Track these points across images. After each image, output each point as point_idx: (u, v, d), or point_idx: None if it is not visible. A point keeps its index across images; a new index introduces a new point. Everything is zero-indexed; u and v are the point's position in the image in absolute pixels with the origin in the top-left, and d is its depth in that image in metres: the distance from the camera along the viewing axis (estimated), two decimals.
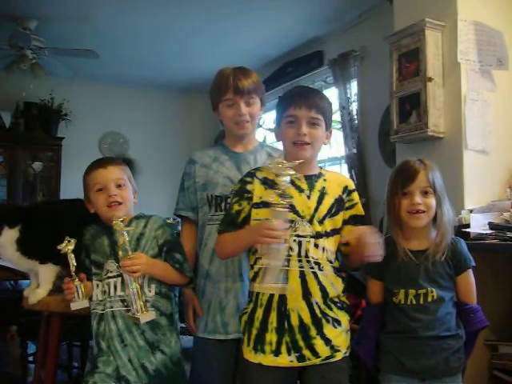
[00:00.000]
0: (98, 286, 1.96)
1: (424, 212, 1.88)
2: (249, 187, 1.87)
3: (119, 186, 1.99)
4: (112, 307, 1.91)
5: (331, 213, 1.86)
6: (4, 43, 4.91)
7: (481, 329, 1.93)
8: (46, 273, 2.09)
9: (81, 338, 3.46)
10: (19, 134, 6.28)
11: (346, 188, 1.92)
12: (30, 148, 6.40)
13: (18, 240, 2.04)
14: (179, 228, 4.71)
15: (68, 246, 1.91)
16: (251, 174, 1.91)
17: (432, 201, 1.89)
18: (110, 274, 1.93)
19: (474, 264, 1.92)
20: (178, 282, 2.01)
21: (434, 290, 1.86)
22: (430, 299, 1.86)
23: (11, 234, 2.04)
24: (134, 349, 1.88)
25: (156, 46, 5.56)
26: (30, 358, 3.56)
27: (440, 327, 1.85)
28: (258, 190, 1.86)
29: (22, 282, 3.35)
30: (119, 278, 1.92)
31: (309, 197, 1.85)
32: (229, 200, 2.04)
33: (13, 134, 6.22)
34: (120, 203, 1.97)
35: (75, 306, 1.93)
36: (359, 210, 1.92)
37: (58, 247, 1.90)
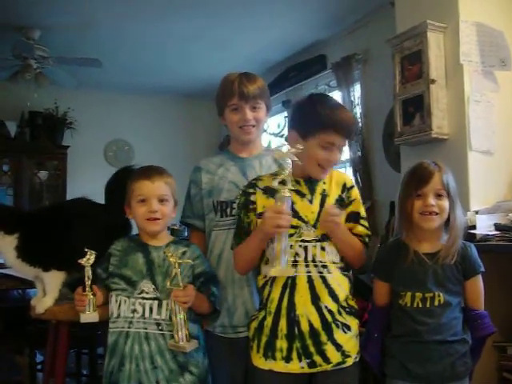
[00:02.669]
0: (125, 302, 1.93)
1: (437, 214, 1.86)
2: (252, 198, 1.88)
3: (161, 200, 1.98)
4: (146, 329, 1.90)
5: None
6: (8, 53, 4.93)
7: (487, 335, 1.90)
8: (52, 280, 2.09)
9: (89, 345, 3.47)
10: (25, 143, 6.30)
11: (344, 186, 1.93)
12: (35, 157, 6.42)
13: (17, 247, 2.02)
14: (185, 234, 4.72)
15: (90, 260, 1.89)
16: (253, 185, 1.91)
17: (445, 203, 1.87)
18: (145, 295, 1.92)
19: (483, 270, 1.90)
20: (207, 312, 2.00)
21: (441, 294, 1.84)
22: (436, 303, 1.84)
23: (9, 241, 2.02)
24: (164, 372, 1.88)
25: (158, 52, 5.58)
26: (39, 367, 3.57)
27: (446, 332, 1.83)
28: (260, 200, 1.87)
29: (30, 291, 3.36)
30: (156, 301, 1.92)
31: (311, 201, 1.86)
32: (234, 205, 2.05)
33: (18, 143, 6.24)
34: (159, 218, 1.96)
35: (85, 318, 1.91)
36: (356, 206, 1.93)
37: (79, 261, 1.87)
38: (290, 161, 1.72)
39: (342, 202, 1.89)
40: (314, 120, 1.82)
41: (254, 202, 1.88)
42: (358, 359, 1.86)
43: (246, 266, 1.91)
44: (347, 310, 1.85)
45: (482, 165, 2.89)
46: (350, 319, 1.85)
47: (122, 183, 2.08)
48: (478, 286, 1.90)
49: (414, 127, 3.05)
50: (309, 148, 1.81)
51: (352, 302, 1.89)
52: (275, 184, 1.72)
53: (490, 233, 2.55)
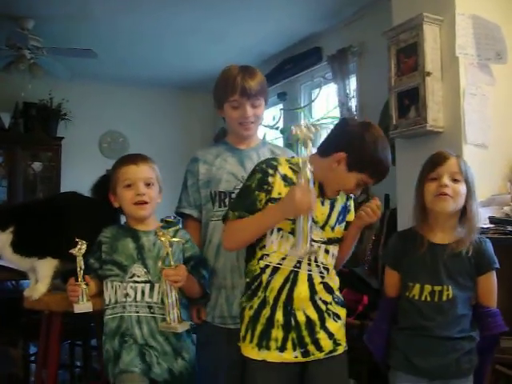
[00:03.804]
0: (119, 287, 1.94)
1: (451, 197, 1.81)
2: (270, 179, 1.82)
3: (148, 184, 2.00)
4: (138, 312, 1.91)
5: (339, 220, 1.89)
6: (2, 44, 4.90)
7: (499, 334, 1.87)
8: (44, 267, 2.08)
9: (83, 337, 3.46)
10: (19, 134, 6.28)
11: (347, 195, 1.95)
12: (29, 148, 6.40)
13: (13, 243, 2.02)
14: (180, 226, 4.70)
15: (81, 250, 1.90)
16: (274, 167, 1.84)
17: (461, 187, 1.82)
18: (136, 279, 1.93)
19: (497, 266, 1.86)
20: (196, 295, 2.02)
21: (450, 287, 1.80)
22: (444, 298, 1.81)
23: (4, 238, 2.02)
24: (160, 353, 1.90)
25: (154, 44, 5.55)
26: (32, 358, 3.56)
27: (454, 328, 1.81)
28: (278, 186, 1.82)
29: (24, 282, 3.35)
30: (147, 284, 1.93)
31: (322, 203, 1.86)
32: (233, 195, 2.05)
33: (12, 134, 6.22)
34: (146, 202, 1.99)
35: (79, 308, 1.92)
36: (352, 217, 1.95)
37: (70, 251, 1.88)
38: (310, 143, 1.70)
39: (345, 210, 1.93)
40: (369, 162, 1.79)
41: (270, 184, 1.81)
42: (347, 348, 1.89)
43: (241, 244, 1.88)
44: (336, 300, 1.89)
45: (476, 158, 2.88)
46: (338, 308, 1.89)
47: (107, 180, 2.09)
48: (491, 282, 1.87)
49: (409, 120, 3.04)
50: (347, 176, 1.81)
51: (339, 293, 1.93)
52: (299, 163, 1.70)
53: (485, 226, 2.55)
